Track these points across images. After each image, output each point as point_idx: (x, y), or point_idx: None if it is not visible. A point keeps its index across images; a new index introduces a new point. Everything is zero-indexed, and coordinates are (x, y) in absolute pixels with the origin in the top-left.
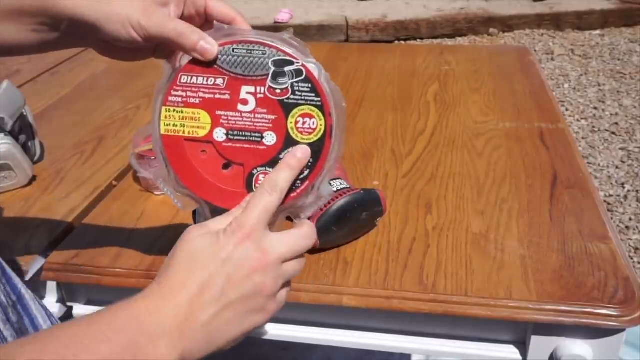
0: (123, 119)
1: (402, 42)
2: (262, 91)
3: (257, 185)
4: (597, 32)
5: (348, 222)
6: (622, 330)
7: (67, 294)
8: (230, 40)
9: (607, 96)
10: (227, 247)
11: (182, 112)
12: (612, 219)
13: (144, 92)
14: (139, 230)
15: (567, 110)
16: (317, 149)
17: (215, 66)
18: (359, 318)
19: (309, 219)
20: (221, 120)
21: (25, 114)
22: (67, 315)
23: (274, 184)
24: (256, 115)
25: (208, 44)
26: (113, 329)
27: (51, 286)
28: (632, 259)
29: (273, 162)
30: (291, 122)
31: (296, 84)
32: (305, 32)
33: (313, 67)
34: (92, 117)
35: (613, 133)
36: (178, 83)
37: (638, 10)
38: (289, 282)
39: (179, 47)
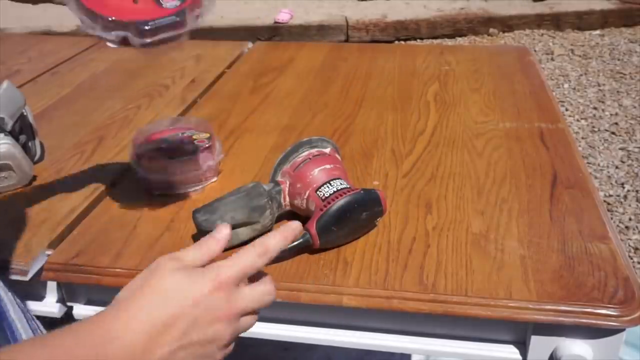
0: (123, 119)
1: (402, 42)
2: None
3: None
4: (597, 32)
5: (348, 222)
6: (622, 330)
7: (67, 294)
8: None
9: (607, 96)
10: (201, 292)
11: None
12: (612, 219)
13: (144, 92)
14: (139, 230)
15: (567, 110)
16: None
17: None
18: (359, 318)
19: (309, 219)
20: None
21: (25, 114)
22: (68, 315)
23: (265, 249)
24: None
25: None
26: (75, 354)
27: (51, 286)
28: (632, 259)
29: None
30: None
31: None
32: (305, 32)
33: None
34: (92, 117)
35: (613, 133)
36: None
37: (638, 10)
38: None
39: None
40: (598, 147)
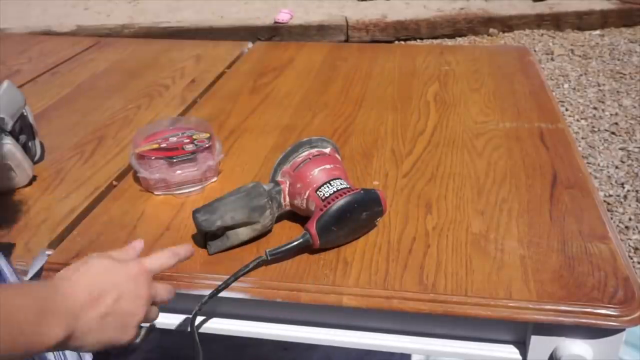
0: (123, 119)
1: (402, 42)
2: None
3: None
4: (597, 32)
5: (348, 222)
6: (622, 330)
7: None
8: None
9: (606, 96)
10: (129, 272)
11: None
12: (611, 219)
13: (144, 92)
14: (139, 230)
15: (566, 110)
16: None
17: None
18: (359, 318)
19: (309, 219)
20: None
21: (25, 114)
22: None
23: (175, 253)
24: None
25: None
26: (34, 289)
27: None
28: (631, 259)
29: None
30: None
31: None
32: (305, 32)
33: None
34: (92, 117)
35: (613, 133)
36: None
37: (638, 10)
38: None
39: None
40: (598, 147)
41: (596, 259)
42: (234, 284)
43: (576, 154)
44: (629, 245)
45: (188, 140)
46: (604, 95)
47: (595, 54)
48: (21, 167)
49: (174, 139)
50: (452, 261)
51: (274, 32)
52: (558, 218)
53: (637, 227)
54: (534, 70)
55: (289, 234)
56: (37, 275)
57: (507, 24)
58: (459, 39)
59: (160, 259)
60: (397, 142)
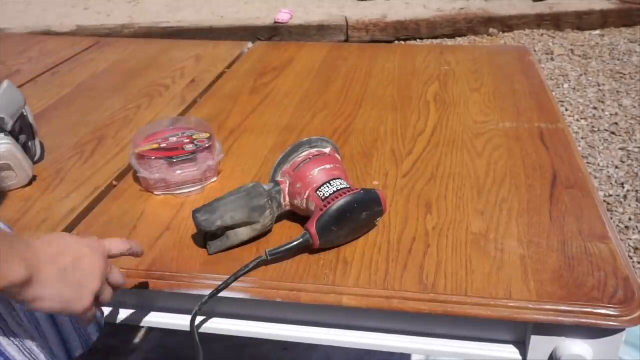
0: (123, 119)
1: (402, 42)
2: None
3: None
4: (597, 32)
5: (348, 222)
6: (622, 330)
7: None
8: None
9: (606, 96)
10: (90, 242)
11: None
12: (611, 219)
13: (144, 92)
14: (139, 230)
15: (566, 110)
16: None
17: None
18: (359, 318)
19: (309, 219)
20: None
21: (25, 114)
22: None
23: (131, 243)
24: None
25: None
26: (2, 232)
27: None
28: (631, 259)
29: None
30: None
31: None
32: (305, 32)
33: None
34: (92, 117)
35: (613, 133)
36: None
37: (638, 10)
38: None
39: None
40: (598, 147)
41: (596, 259)
42: (234, 284)
43: (576, 154)
44: (629, 245)
45: (188, 140)
46: (604, 95)
47: (595, 54)
48: (21, 167)
49: (174, 139)
50: (452, 261)
51: (274, 32)
52: (558, 218)
53: (637, 227)
54: (534, 70)
55: (289, 234)
56: None
57: (507, 24)
58: (459, 39)
59: (116, 242)
60: (397, 142)
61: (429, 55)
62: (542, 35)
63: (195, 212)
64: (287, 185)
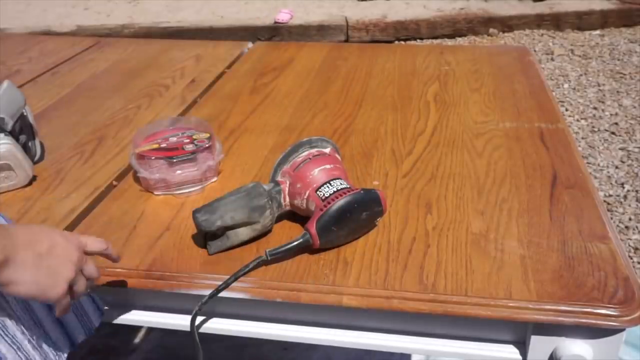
0: (123, 119)
1: (402, 42)
2: None
3: None
4: (597, 32)
5: (348, 222)
6: (622, 330)
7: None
8: None
9: (606, 96)
10: (65, 234)
11: None
12: (611, 219)
13: (145, 92)
14: (139, 230)
15: (566, 110)
16: None
17: None
18: (359, 318)
19: (309, 219)
20: None
21: (25, 114)
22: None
23: (109, 244)
24: None
25: None
26: None
27: None
28: (631, 259)
29: None
30: None
31: None
32: (305, 32)
33: None
34: (92, 117)
35: (613, 133)
36: None
37: (638, 10)
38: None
39: None
40: (598, 147)
41: (596, 259)
42: (234, 284)
43: (576, 154)
44: (629, 245)
45: (188, 140)
46: (604, 95)
47: (595, 54)
48: (21, 167)
49: (174, 139)
50: (452, 261)
51: (274, 32)
52: (558, 218)
53: (637, 227)
54: (534, 70)
55: (289, 234)
56: None
57: (507, 24)
58: (459, 39)
59: (93, 238)
60: (397, 142)
61: (429, 55)
62: (542, 35)
63: (195, 212)
64: (287, 185)
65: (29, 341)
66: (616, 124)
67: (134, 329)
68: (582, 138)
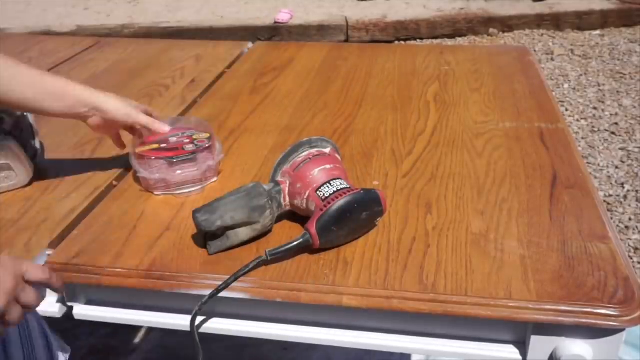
0: None
1: (402, 42)
2: None
3: None
4: (597, 32)
5: (348, 222)
6: (622, 330)
7: (67, 293)
8: None
9: (606, 96)
10: (2, 262)
11: None
12: (611, 219)
13: (145, 91)
14: (139, 230)
15: (566, 110)
16: None
17: None
18: (359, 318)
19: (309, 219)
20: None
21: (25, 113)
22: (68, 316)
23: (52, 274)
24: None
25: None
26: None
27: None
28: (631, 259)
29: None
30: None
31: None
32: (305, 32)
33: None
34: None
35: (613, 133)
36: None
37: (638, 10)
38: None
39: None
40: (598, 147)
41: (596, 259)
42: (234, 284)
43: (576, 154)
44: (629, 245)
45: (188, 140)
46: (604, 95)
47: (595, 54)
48: (21, 167)
49: (174, 139)
50: (452, 261)
51: (274, 32)
52: (558, 218)
53: (637, 227)
54: (534, 70)
55: (289, 234)
56: None
57: (507, 24)
58: (459, 39)
59: (36, 267)
60: (397, 142)
61: (429, 55)
62: (542, 35)
63: (195, 212)
64: (287, 185)
65: None
66: (616, 124)
67: (134, 329)
68: (582, 138)
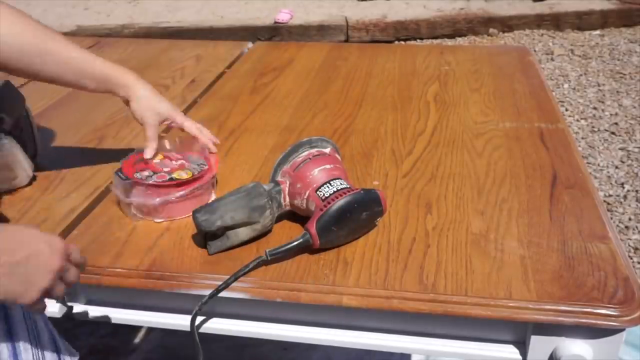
0: (123, 119)
1: (402, 42)
2: None
3: None
4: (597, 32)
5: (348, 222)
6: (622, 330)
7: (67, 293)
8: None
9: (606, 96)
10: (50, 242)
11: None
12: (611, 219)
13: None
14: (139, 230)
15: (566, 110)
16: None
17: None
18: (359, 318)
19: (309, 219)
20: None
21: (25, 114)
22: (68, 315)
23: (86, 260)
24: None
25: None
26: None
27: None
28: (631, 259)
29: None
30: None
31: None
32: (306, 32)
33: None
34: (92, 117)
35: (613, 133)
36: None
37: (638, 10)
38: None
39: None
40: (598, 147)
41: (596, 259)
42: (234, 284)
43: (576, 154)
44: (629, 245)
45: (185, 174)
46: (604, 95)
47: (595, 54)
48: (21, 167)
49: (167, 172)
50: (452, 261)
51: (274, 32)
52: (558, 218)
53: (637, 227)
54: (534, 70)
55: (289, 234)
56: None
57: (507, 24)
58: (459, 39)
59: (78, 250)
60: (397, 142)
61: (429, 55)
62: (542, 35)
63: (195, 212)
64: (287, 185)
65: None
66: (616, 124)
67: (134, 329)
68: (582, 138)
